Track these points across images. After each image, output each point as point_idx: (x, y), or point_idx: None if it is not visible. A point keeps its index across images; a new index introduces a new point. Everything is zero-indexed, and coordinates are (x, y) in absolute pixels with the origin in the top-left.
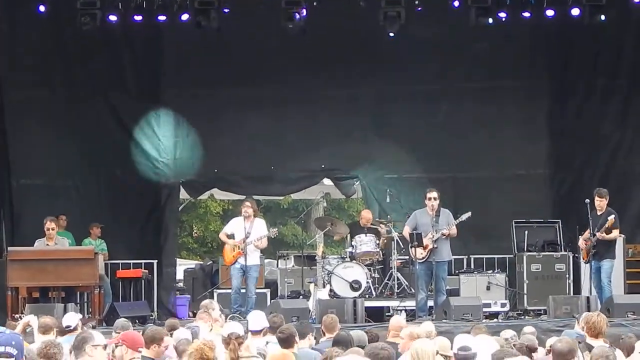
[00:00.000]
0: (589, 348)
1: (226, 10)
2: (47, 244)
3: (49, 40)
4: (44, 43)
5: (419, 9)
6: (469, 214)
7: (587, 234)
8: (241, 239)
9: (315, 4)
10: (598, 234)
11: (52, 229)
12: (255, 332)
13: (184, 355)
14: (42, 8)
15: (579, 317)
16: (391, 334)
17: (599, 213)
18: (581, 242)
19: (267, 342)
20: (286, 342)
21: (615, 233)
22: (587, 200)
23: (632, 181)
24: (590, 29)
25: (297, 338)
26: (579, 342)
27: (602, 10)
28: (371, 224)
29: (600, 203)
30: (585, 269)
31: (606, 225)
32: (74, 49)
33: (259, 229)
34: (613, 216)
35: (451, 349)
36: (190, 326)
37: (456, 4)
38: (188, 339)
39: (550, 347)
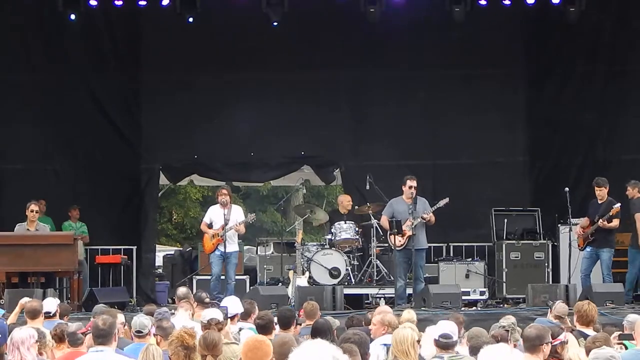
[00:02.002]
0: (584, 336)
1: None
2: (28, 229)
3: (29, 24)
4: (23, 27)
5: None
6: (446, 200)
7: (585, 221)
8: (220, 226)
9: None
10: (600, 222)
11: (36, 212)
12: (229, 318)
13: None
14: None
15: (552, 306)
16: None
17: (599, 202)
18: (578, 229)
19: (240, 329)
20: (265, 328)
21: (615, 222)
22: (567, 189)
23: (611, 169)
24: (568, 16)
25: (275, 325)
26: (572, 330)
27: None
28: (355, 212)
29: (600, 192)
30: (578, 255)
31: (610, 213)
32: (54, 33)
33: (237, 215)
34: (619, 205)
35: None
36: (160, 312)
37: None
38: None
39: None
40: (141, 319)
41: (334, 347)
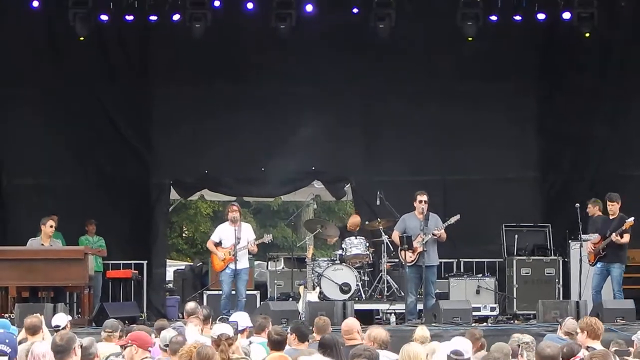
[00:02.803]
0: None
1: (217, 4)
2: (43, 244)
3: (40, 38)
4: (34, 41)
5: (409, 7)
6: (457, 217)
7: (596, 237)
8: (231, 245)
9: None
10: (613, 236)
11: (53, 227)
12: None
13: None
14: (35, 3)
15: (562, 322)
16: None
17: (611, 217)
18: (589, 245)
19: (249, 342)
20: (279, 344)
21: (626, 237)
22: (578, 205)
23: (623, 183)
24: (579, 31)
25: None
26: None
27: (592, 16)
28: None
29: (612, 207)
30: (589, 271)
31: (623, 228)
32: (64, 47)
33: (248, 234)
34: (632, 219)
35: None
36: (175, 326)
37: (445, 6)
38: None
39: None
40: (169, 333)
41: None
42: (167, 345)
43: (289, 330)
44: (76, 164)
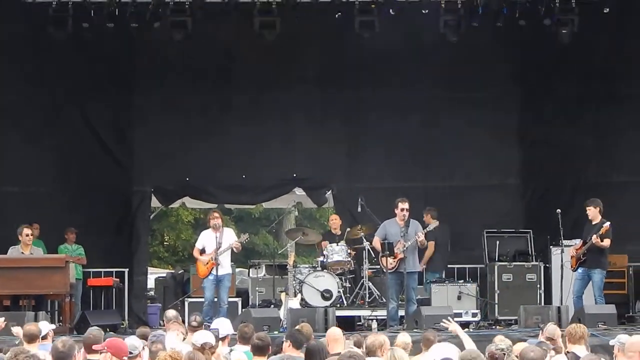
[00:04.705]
0: (575, 358)
1: (197, 14)
2: (22, 252)
3: (21, 45)
4: (14, 48)
5: (392, 15)
6: (436, 223)
7: (579, 243)
8: (213, 250)
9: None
10: (593, 238)
11: (31, 235)
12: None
13: None
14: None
15: (544, 327)
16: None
17: (593, 223)
18: (572, 251)
19: (230, 350)
20: (262, 350)
21: (607, 242)
22: (559, 211)
23: (604, 189)
24: (561, 38)
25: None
26: (567, 353)
27: (573, 23)
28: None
29: (589, 212)
30: (572, 277)
31: (600, 232)
32: (45, 54)
33: (230, 238)
34: (608, 223)
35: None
36: (155, 334)
37: (427, 13)
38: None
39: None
40: (132, 341)
41: None
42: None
43: (284, 338)
44: (57, 171)
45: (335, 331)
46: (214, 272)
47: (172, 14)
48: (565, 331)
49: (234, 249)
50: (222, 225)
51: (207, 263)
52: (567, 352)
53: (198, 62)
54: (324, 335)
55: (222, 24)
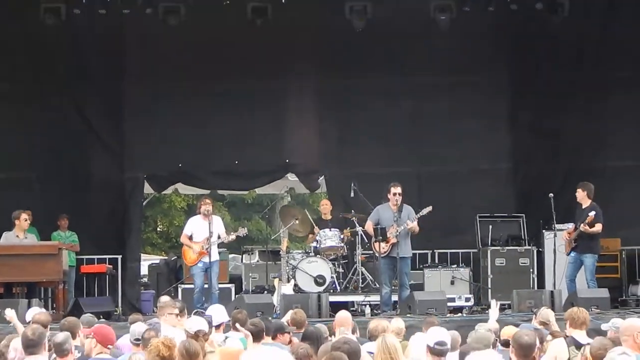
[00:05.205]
0: (575, 343)
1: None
2: (17, 236)
3: (11, 33)
4: (5, 35)
5: (383, 2)
6: (429, 208)
7: (571, 227)
8: (204, 238)
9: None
10: (582, 226)
11: (28, 220)
12: (215, 327)
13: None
14: None
15: (537, 312)
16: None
17: (583, 207)
18: (564, 235)
19: (225, 337)
20: (256, 336)
21: (598, 227)
22: (551, 195)
23: (596, 174)
24: (552, 23)
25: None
26: (565, 337)
27: (563, 7)
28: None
29: (578, 195)
30: (565, 261)
31: (587, 221)
32: (36, 41)
33: (218, 227)
34: (593, 212)
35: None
36: (150, 322)
37: None
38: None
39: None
40: (139, 328)
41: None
42: (137, 340)
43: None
44: (49, 158)
45: (344, 314)
46: (204, 259)
47: (164, 1)
48: (566, 315)
49: (228, 242)
50: (212, 213)
51: (199, 252)
52: (567, 336)
53: (190, 49)
54: (319, 321)
55: (213, 9)
